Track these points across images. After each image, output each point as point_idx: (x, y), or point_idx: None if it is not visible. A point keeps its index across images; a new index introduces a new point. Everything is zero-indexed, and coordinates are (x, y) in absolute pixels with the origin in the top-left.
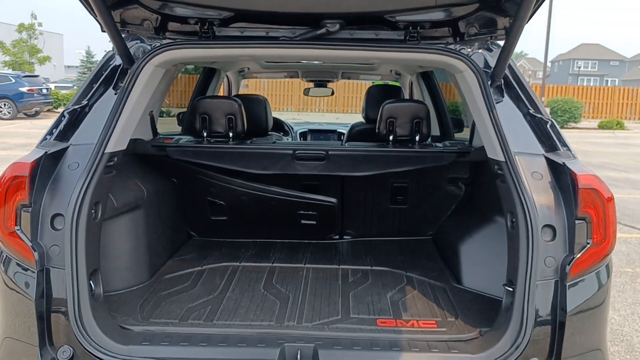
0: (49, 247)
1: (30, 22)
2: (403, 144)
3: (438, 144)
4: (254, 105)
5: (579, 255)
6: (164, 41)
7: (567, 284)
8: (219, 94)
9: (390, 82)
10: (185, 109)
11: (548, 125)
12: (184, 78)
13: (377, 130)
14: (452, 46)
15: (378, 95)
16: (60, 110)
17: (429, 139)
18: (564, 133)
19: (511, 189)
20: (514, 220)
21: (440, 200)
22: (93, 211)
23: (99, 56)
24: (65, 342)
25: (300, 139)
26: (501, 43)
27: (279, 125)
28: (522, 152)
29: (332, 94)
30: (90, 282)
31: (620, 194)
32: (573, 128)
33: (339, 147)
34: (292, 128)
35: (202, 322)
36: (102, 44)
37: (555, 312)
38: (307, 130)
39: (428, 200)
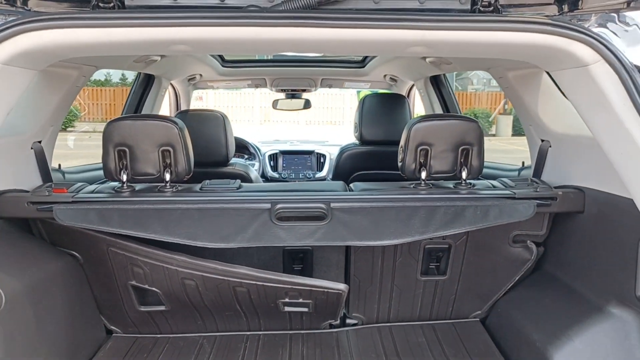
0: None
1: None
2: (443, 186)
3: (489, 182)
4: (209, 125)
5: None
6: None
7: None
8: (156, 112)
9: (381, 90)
10: None
11: None
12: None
13: (400, 163)
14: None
15: (379, 109)
16: None
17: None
18: None
19: None
20: None
21: (499, 268)
22: None
23: None
24: None
25: (270, 163)
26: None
27: (243, 147)
28: None
29: (307, 106)
30: None
31: None
32: None
33: (344, 196)
34: (258, 150)
35: None
36: None
37: None
38: (277, 152)
39: (480, 268)
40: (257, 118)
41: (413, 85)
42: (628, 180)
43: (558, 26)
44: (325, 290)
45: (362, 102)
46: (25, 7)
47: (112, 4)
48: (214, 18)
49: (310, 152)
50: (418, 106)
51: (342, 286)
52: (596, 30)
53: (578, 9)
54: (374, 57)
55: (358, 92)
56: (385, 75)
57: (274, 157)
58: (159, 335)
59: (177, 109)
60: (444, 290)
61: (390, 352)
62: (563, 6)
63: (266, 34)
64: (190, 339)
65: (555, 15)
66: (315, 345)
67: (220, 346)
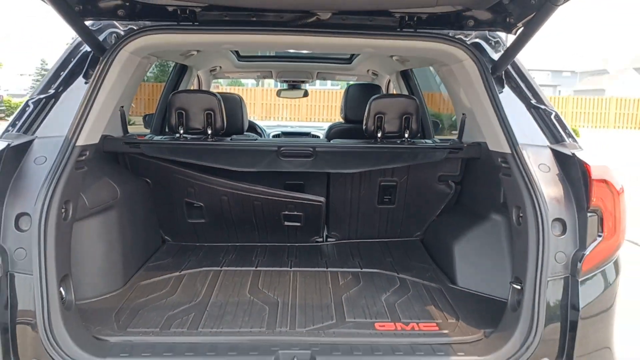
0: (14, 251)
1: None
2: (392, 141)
3: (428, 140)
4: (231, 103)
5: (590, 250)
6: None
7: (579, 280)
8: None
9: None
10: (148, 113)
11: (552, 116)
12: (145, 85)
13: (364, 127)
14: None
15: (358, 94)
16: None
17: (418, 136)
18: None
19: (518, 182)
20: (521, 215)
21: (430, 200)
22: (63, 210)
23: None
24: (34, 356)
25: None
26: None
27: (252, 127)
28: (527, 144)
29: (306, 95)
30: (61, 288)
31: None
32: None
33: (326, 143)
34: (264, 130)
35: (185, 331)
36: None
37: (566, 310)
38: (279, 133)
39: (417, 199)
40: (258, 113)
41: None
42: (486, 135)
43: (448, 38)
44: (311, 202)
45: (347, 90)
46: (139, 21)
47: (189, 20)
48: (250, 29)
49: (307, 133)
50: None
51: (321, 198)
52: (472, 40)
53: (462, 30)
54: (358, 54)
55: None
56: (368, 70)
57: (277, 137)
58: (197, 244)
59: None
60: (394, 216)
61: (357, 258)
62: (455, 28)
63: (280, 39)
64: (219, 246)
65: (450, 31)
66: (305, 253)
67: (239, 251)
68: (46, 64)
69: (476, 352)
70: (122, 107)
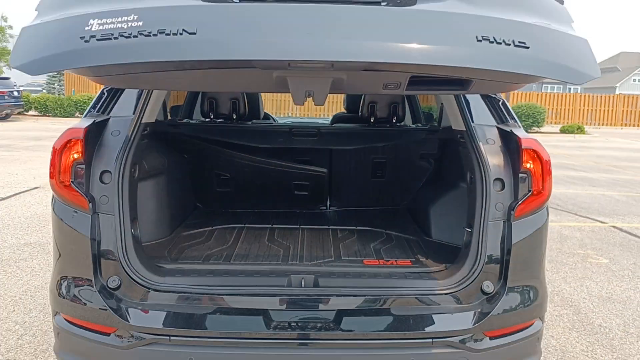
0: (99, 197)
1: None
2: (382, 124)
3: (411, 125)
4: (250, 94)
5: (521, 201)
6: None
7: (512, 223)
8: None
9: None
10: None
11: (500, 103)
12: None
13: (360, 113)
14: None
15: None
16: (31, 113)
17: (404, 121)
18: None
19: (470, 152)
20: (472, 177)
21: (414, 174)
22: (133, 170)
23: None
24: (114, 273)
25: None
26: None
27: (266, 117)
28: (479, 124)
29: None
30: (132, 228)
31: (578, 190)
32: (536, 132)
33: (329, 126)
34: (275, 119)
35: (221, 262)
36: None
37: (503, 244)
38: (290, 123)
39: (403, 174)
40: (269, 109)
41: None
42: (451, 119)
43: None
44: (316, 172)
45: None
46: None
47: None
48: None
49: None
50: None
51: (324, 170)
52: None
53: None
54: None
55: None
56: None
57: None
58: (223, 210)
59: None
60: (384, 188)
61: (354, 220)
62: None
63: None
64: (242, 212)
65: None
66: (312, 218)
67: (258, 215)
68: None
69: (436, 277)
70: (164, 98)
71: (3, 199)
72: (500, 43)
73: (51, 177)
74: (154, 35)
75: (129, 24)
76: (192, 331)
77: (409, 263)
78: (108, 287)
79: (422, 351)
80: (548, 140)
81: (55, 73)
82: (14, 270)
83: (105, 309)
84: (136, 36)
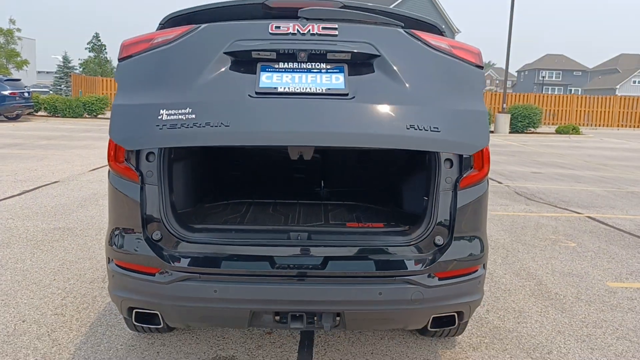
0: (145, 172)
1: (8, 27)
2: None
3: None
4: None
5: (464, 175)
6: None
7: (458, 192)
8: None
9: None
10: None
11: None
12: None
13: None
14: None
15: None
16: (40, 113)
17: None
18: (524, 137)
19: None
20: (430, 159)
21: (391, 162)
22: (170, 153)
23: (75, 62)
24: (157, 229)
25: None
26: None
27: None
28: None
29: None
30: (170, 196)
31: (562, 186)
32: (532, 133)
33: None
34: None
35: (236, 224)
36: (77, 51)
37: (451, 208)
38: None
39: (383, 162)
40: None
41: None
42: None
43: None
44: (312, 157)
45: None
46: None
47: None
48: None
49: None
50: None
51: (317, 155)
52: None
53: None
54: None
55: None
56: None
57: None
58: (236, 198)
59: None
60: (368, 174)
61: (342, 199)
62: None
63: None
64: (251, 191)
65: None
66: (308, 195)
67: (264, 194)
68: (69, 62)
69: (401, 234)
70: None
71: (27, 191)
72: (421, 130)
73: (109, 159)
74: (203, 127)
75: (187, 116)
76: (216, 269)
77: (381, 225)
78: (152, 239)
79: (387, 286)
80: (543, 140)
81: (62, 75)
82: (48, 249)
83: (152, 255)
84: (191, 127)
